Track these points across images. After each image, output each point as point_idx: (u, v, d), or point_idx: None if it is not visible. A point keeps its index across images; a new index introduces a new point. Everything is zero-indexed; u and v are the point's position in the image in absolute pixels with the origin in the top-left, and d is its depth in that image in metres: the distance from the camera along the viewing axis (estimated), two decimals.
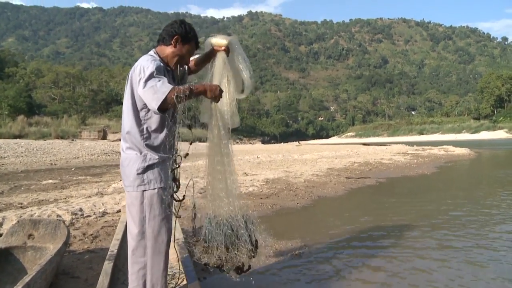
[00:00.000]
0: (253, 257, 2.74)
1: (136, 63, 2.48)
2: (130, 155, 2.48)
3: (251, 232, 2.74)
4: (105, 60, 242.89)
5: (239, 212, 2.74)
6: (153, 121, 2.52)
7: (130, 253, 2.50)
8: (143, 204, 2.46)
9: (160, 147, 2.54)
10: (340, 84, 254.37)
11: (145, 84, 2.32)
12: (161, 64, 2.50)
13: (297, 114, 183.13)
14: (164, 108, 2.30)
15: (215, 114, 2.70)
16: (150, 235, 2.48)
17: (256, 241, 2.75)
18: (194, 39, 2.71)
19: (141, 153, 2.47)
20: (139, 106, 2.48)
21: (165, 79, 2.34)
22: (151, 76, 2.33)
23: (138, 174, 2.45)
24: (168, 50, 2.62)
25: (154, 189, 2.48)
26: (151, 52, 2.64)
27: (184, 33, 2.63)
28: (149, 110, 2.46)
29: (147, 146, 2.49)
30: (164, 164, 2.53)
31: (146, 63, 2.41)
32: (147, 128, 2.51)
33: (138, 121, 2.49)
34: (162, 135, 2.55)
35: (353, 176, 11.91)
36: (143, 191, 2.46)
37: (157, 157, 2.50)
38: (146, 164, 2.46)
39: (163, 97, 2.26)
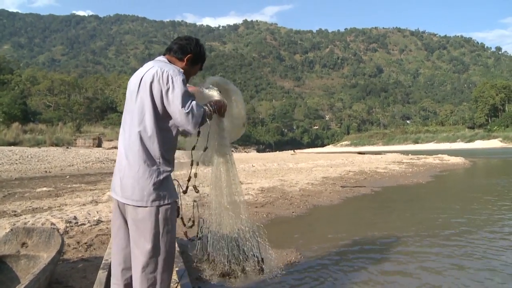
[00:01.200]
0: (262, 272, 2.76)
1: (159, 69, 2.36)
2: (141, 167, 2.33)
3: (259, 246, 2.77)
4: (100, 68, 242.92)
5: (246, 225, 2.78)
6: (174, 132, 2.45)
7: (139, 270, 2.35)
8: (158, 220, 2.35)
9: (171, 159, 2.48)
10: (335, 93, 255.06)
11: (183, 103, 2.29)
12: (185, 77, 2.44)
13: (292, 122, 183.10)
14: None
15: (221, 128, 2.78)
16: (163, 249, 2.38)
17: (262, 259, 2.77)
18: (202, 62, 2.72)
19: (153, 165, 2.35)
20: (164, 113, 2.38)
21: (194, 98, 2.40)
22: (186, 94, 2.32)
23: (154, 189, 2.33)
24: (178, 64, 2.56)
25: (169, 203, 2.40)
26: (164, 59, 2.56)
27: (198, 54, 2.64)
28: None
29: (163, 157, 2.38)
30: (170, 176, 2.48)
31: (174, 74, 2.35)
32: (168, 138, 2.43)
33: (161, 130, 2.38)
34: (174, 146, 2.52)
35: (348, 185, 11.92)
36: (158, 206, 2.36)
37: (169, 169, 2.42)
38: (162, 177, 2.36)
39: (200, 120, 2.34)
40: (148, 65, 2.49)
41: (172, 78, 2.31)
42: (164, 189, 2.37)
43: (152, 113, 2.33)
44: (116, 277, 2.55)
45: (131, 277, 2.48)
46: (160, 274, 2.38)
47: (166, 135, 2.40)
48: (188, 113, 2.29)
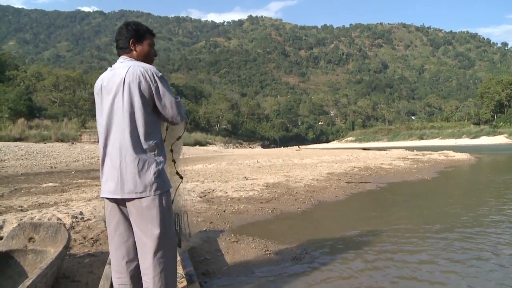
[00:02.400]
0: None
1: (142, 69, 2.50)
2: (140, 160, 2.45)
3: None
4: (105, 64, 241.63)
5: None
6: (161, 124, 2.67)
7: (150, 257, 2.47)
8: (162, 206, 2.50)
9: (164, 150, 2.63)
10: (340, 88, 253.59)
11: (173, 95, 2.54)
12: None
13: (297, 118, 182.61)
14: None
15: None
16: (169, 234, 2.54)
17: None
18: (148, 32, 2.79)
19: (150, 157, 2.48)
20: (153, 108, 2.55)
21: None
22: (169, 88, 2.56)
23: (156, 178, 2.47)
24: (134, 55, 2.70)
25: (168, 190, 2.57)
26: (130, 59, 2.66)
27: (135, 32, 2.72)
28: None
29: (158, 148, 2.54)
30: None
31: (156, 72, 2.53)
32: (159, 130, 2.61)
33: (153, 124, 2.54)
34: (162, 138, 2.69)
35: (353, 181, 11.90)
36: (160, 194, 2.49)
37: (164, 160, 2.57)
38: (161, 166, 2.51)
39: (183, 111, 2.63)
40: (123, 66, 2.58)
41: (156, 75, 2.50)
42: (162, 178, 2.52)
43: (143, 109, 2.47)
44: (120, 270, 2.61)
45: (135, 268, 2.59)
46: (170, 259, 2.54)
47: (157, 128, 2.58)
48: (178, 102, 2.55)
